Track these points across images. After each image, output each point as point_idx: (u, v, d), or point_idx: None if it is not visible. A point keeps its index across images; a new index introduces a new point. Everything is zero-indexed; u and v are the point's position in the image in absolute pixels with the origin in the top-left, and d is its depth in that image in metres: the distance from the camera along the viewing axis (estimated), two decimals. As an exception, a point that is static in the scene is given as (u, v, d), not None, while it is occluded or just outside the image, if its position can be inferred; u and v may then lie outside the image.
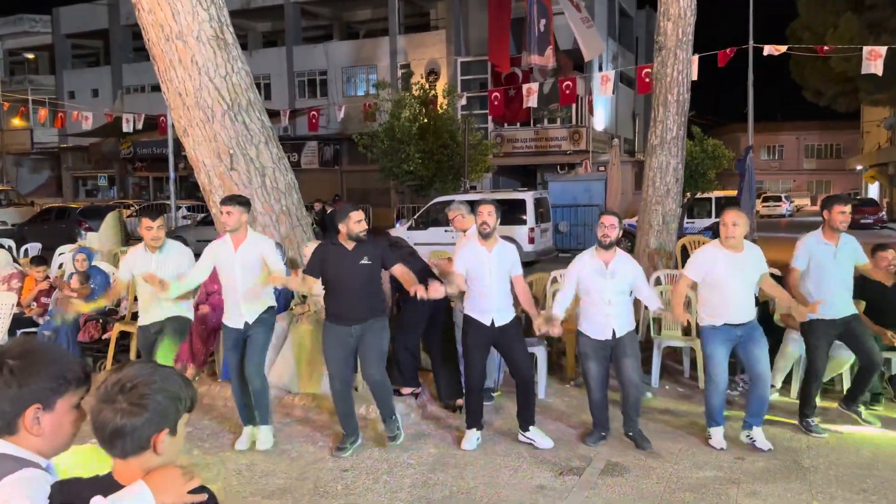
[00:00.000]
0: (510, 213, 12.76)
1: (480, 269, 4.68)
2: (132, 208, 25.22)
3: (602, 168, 21.60)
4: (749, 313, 4.60)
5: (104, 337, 6.69)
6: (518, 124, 26.31)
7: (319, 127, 21.39)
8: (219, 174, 6.34)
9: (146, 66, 33.40)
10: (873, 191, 39.37)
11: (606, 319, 4.63)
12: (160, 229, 4.92)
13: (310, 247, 6.06)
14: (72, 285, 6.72)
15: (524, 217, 13.94)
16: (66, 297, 6.39)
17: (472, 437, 4.73)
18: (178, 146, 21.91)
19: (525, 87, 17.77)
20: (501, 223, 4.80)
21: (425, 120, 19.19)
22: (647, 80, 16.44)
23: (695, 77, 10.04)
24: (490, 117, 25.89)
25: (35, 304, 7.26)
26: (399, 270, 4.65)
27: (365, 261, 4.52)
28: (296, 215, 6.66)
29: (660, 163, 7.91)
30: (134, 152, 31.97)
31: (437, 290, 4.45)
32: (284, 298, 6.09)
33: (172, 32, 6.02)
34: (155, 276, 4.61)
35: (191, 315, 5.23)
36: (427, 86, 21.28)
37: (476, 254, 4.70)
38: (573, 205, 16.95)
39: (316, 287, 4.71)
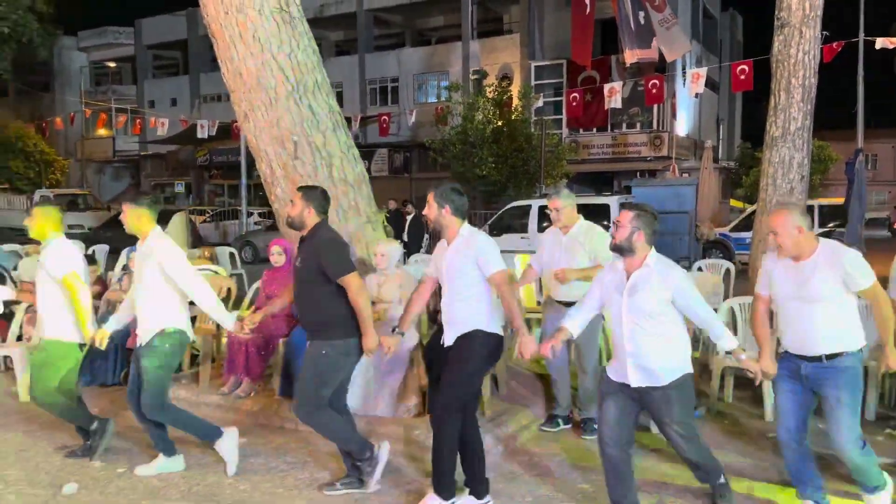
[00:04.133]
0: (592, 219, 11.74)
1: (440, 266, 3.68)
2: (206, 214, 25.43)
3: (686, 174, 20.28)
4: (820, 345, 3.33)
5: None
6: (595, 129, 25.24)
7: (390, 134, 20.92)
8: (282, 164, 5.67)
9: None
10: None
11: (623, 357, 3.30)
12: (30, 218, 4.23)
13: (382, 247, 5.34)
14: (123, 286, 6.18)
15: (607, 223, 12.92)
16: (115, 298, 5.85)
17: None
18: (251, 154, 21.98)
19: (607, 87, 16.78)
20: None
21: (499, 123, 18.39)
22: (742, 77, 15.26)
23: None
24: (565, 122, 24.93)
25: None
26: (348, 283, 3.60)
27: (298, 262, 3.78)
28: (366, 211, 5.93)
29: (781, 157, 6.83)
30: (209, 160, 32.46)
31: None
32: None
33: (233, 5, 5.41)
34: None
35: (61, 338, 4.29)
36: (501, 87, 20.49)
37: (440, 250, 3.74)
38: (660, 212, 15.62)
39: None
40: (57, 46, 25.16)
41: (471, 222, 3.89)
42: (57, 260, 4.10)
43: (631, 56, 20.25)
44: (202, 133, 24.74)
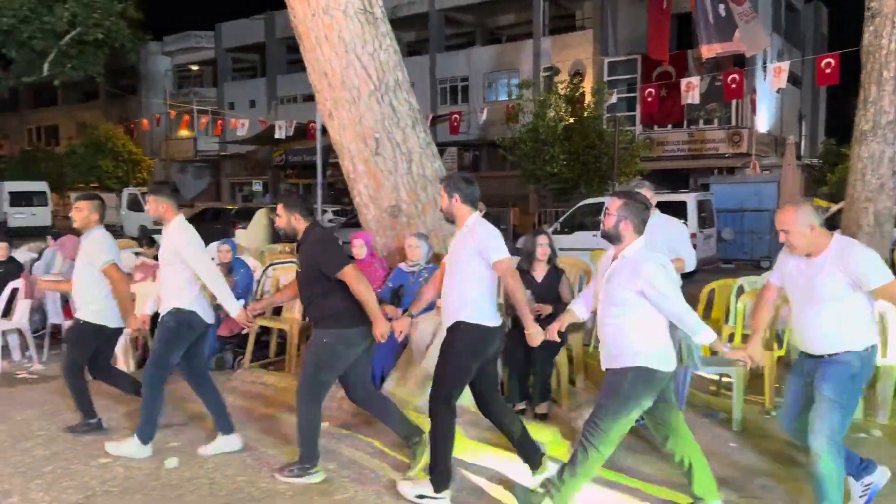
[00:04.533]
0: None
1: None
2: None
3: (768, 172, 19.63)
4: (821, 343, 3.25)
5: (244, 332, 6.41)
6: (670, 126, 24.70)
7: (459, 132, 21.05)
8: (364, 160, 5.85)
9: (299, 77, 35.13)
10: None
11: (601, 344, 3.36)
12: (77, 210, 4.56)
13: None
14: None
15: (685, 221, 12.67)
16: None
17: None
18: (326, 153, 22.44)
19: (684, 81, 16.45)
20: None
21: (571, 120, 18.25)
22: (828, 71, 14.67)
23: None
24: (639, 119, 24.52)
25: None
26: (348, 278, 3.73)
27: (298, 267, 3.98)
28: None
29: (871, 152, 6.60)
30: (286, 160, 33.36)
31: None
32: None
33: (319, 6, 5.62)
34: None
35: (91, 320, 4.64)
36: (573, 84, 20.31)
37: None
38: (739, 209, 15.24)
39: None
40: (143, 51, 26.35)
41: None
42: (98, 250, 4.49)
43: (708, 51, 19.73)
44: (280, 133, 25.52)
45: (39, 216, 25.34)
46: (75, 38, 18.94)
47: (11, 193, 26.12)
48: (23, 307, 6.46)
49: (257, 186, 36.69)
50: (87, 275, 4.56)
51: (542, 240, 5.04)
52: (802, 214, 3.21)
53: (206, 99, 36.76)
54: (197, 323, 4.28)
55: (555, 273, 5.04)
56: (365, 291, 3.74)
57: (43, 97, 42.64)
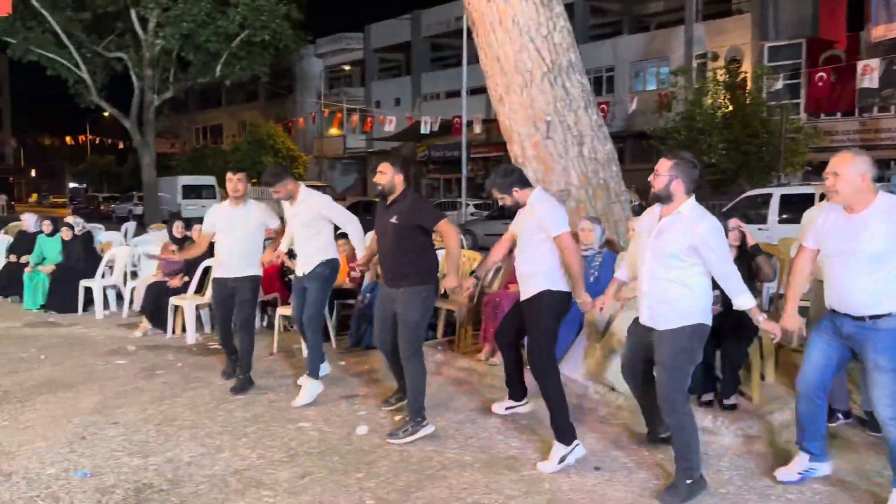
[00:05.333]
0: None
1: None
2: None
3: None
4: (864, 304, 3.15)
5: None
6: (838, 114, 22.77)
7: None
8: (533, 143, 5.84)
9: (441, 75, 35.88)
10: None
11: (641, 297, 3.49)
12: (240, 182, 5.25)
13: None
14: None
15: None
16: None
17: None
18: (469, 148, 22.66)
19: (860, 64, 15.14)
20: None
21: (730, 107, 17.26)
22: None
23: None
24: (803, 106, 22.80)
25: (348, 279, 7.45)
26: (445, 228, 4.17)
27: (394, 220, 4.23)
28: (614, 190, 5.93)
29: None
30: (428, 156, 34.15)
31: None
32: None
33: (494, -9, 5.67)
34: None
35: (260, 273, 5.46)
36: (730, 70, 19.21)
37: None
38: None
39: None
40: (299, 53, 27.94)
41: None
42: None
43: (886, 31, 18.04)
44: (425, 129, 26.20)
45: (209, 207, 27.53)
46: (244, 40, 20.42)
47: (184, 186, 28.65)
48: (215, 284, 7.00)
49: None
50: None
51: (733, 223, 4.79)
52: (859, 162, 3.16)
53: (355, 98, 38.31)
54: (337, 266, 5.14)
55: (748, 256, 4.73)
56: (456, 243, 4.21)
57: (209, 99, 46.39)
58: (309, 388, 4.91)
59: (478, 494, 3.46)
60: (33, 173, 62.03)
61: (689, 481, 3.34)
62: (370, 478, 3.65)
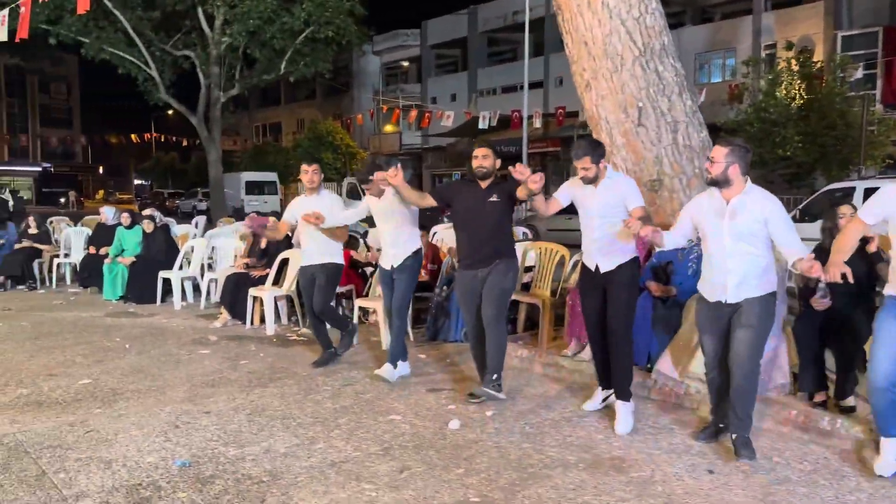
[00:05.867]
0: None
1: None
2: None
3: None
4: None
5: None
6: (919, 106, 21.64)
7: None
8: (623, 131, 5.61)
9: (497, 70, 35.60)
10: None
11: (723, 276, 3.65)
12: (314, 173, 5.62)
13: None
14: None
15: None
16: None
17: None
18: (527, 143, 22.29)
19: (951, 50, 14.26)
20: None
21: (806, 97, 16.53)
22: None
23: None
24: (879, 97, 21.73)
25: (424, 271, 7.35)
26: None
27: (494, 198, 4.48)
28: (709, 179, 5.65)
29: None
30: (484, 151, 33.84)
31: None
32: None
33: (583, -27, 5.46)
34: (310, 211, 5.33)
35: (342, 262, 5.67)
36: (803, 59, 18.40)
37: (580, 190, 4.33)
38: None
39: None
40: (361, 49, 28.10)
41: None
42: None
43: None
44: (483, 124, 25.99)
45: (270, 203, 27.99)
46: (308, 37, 20.57)
47: (247, 183, 29.16)
48: (292, 276, 6.99)
49: (456, 177, 37.67)
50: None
51: (844, 209, 4.49)
52: None
53: (411, 94, 38.34)
54: (422, 258, 5.42)
55: (869, 258, 4.41)
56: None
57: (268, 97, 47.16)
58: (389, 371, 5.10)
59: (587, 496, 3.28)
60: (101, 170, 64.24)
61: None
62: (470, 474, 3.52)
